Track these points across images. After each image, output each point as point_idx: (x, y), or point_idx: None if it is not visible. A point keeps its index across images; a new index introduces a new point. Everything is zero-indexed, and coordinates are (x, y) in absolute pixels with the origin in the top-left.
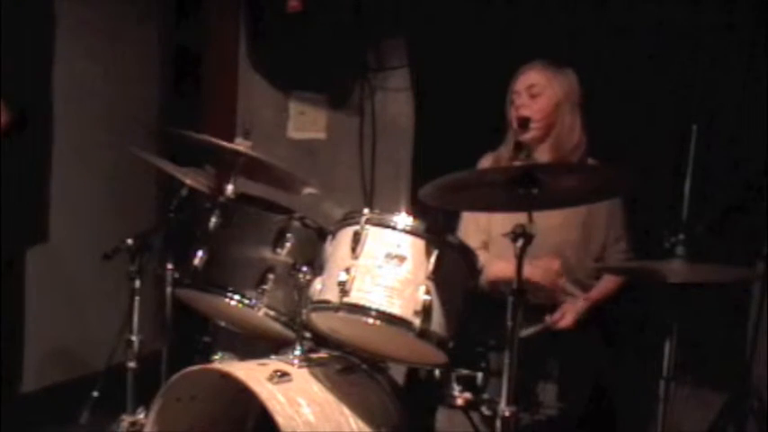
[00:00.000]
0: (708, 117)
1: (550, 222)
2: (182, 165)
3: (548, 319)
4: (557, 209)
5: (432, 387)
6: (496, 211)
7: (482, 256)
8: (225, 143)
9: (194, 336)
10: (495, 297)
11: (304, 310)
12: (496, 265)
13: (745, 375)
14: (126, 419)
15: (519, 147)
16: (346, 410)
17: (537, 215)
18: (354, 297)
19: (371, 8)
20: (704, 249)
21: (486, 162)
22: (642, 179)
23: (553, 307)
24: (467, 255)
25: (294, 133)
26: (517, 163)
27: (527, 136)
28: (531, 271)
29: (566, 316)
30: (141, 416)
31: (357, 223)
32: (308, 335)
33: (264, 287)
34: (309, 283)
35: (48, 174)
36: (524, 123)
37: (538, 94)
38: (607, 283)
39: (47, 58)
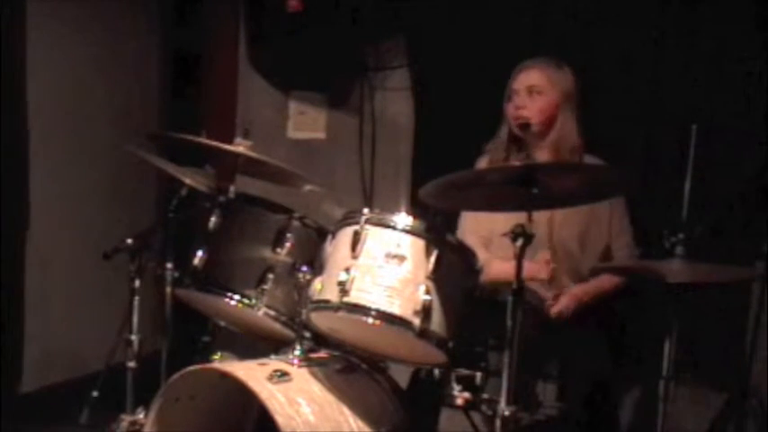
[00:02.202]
0: (708, 117)
1: (554, 217)
2: (182, 165)
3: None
4: (557, 209)
5: (432, 387)
6: (497, 211)
7: (481, 254)
8: (222, 145)
9: (194, 336)
10: (495, 297)
11: (304, 310)
12: (495, 264)
13: (745, 375)
14: (126, 419)
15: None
16: (346, 410)
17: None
18: (354, 297)
19: (371, 8)
20: (704, 249)
21: (482, 164)
22: (641, 179)
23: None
24: (466, 255)
25: (294, 133)
26: (516, 162)
27: (530, 140)
28: (529, 268)
29: (560, 300)
30: (141, 416)
31: (357, 223)
32: (307, 335)
33: (264, 287)
34: (309, 282)
35: (47, 174)
36: (525, 127)
37: (538, 93)
38: (606, 279)
39: (19, 51)
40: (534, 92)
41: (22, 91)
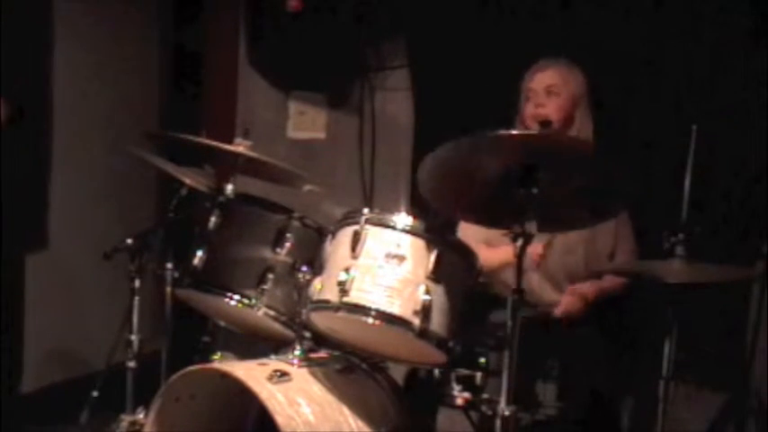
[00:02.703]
0: (708, 117)
1: None
2: (181, 165)
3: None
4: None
5: (432, 387)
6: (495, 214)
7: (483, 252)
8: (222, 145)
9: (194, 336)
10: (496, 293)
11: (304, 310)
12: (483, 251)
13: (745, 375)
14: (126, 419)
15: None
16: (346, 410)
17: None
18: (354, 297)
19: (371, 8)
20: (704, 249)
21: None
22: (642, 179)
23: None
24: (467, 255)
25: (294, 133)
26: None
27: None
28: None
29: (565, 299)
30: (141, 416)
31: (357, 223)
32: (307, 335)
33: (264, 287)
34: (309, 282)
35: (47, 175)
36: (546, 124)
37: (556, 93)
38: (609, 279)
39: (45, 54)
40: (552, 92)
41: (45, 94)
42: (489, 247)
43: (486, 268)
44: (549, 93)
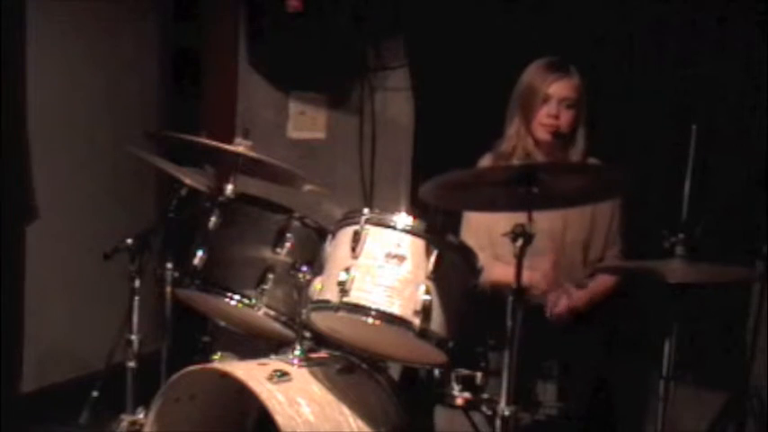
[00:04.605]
0: (708, 117)
1: (554, 224)
2: (181, 164)
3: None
4: (557, 209)
5: (431, 387)
6: (496, 211)
7: (482, 258)
8: (222, 145)
9: (194, 336)
10: (496, 297)
11: (304, 310)
12: (497, 268)
13: (745, 375)
14: (126, 419)
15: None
16: (346, 410)
17: (540, 216)
18: (354, 297)
19: (371, 8)
20: (704, 249)
21: (485, 163)
22: (642, 179)
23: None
24: (467, 255)
25: (294, 133)
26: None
27: (549, 144)
28: (531, 277)
29: (559, 303)
30: (141, 416)
31: (357, 223)
32: (307, 335)
33: (264, 287)
34: (309, 282)
35: (26, 150)
36: (557, 136)
37: (570, 107)
38: (603, 281)
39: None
40: (567, 105)
41: (21, 91)
42: (492, 245)
43: (488, 281)
44: (564, 105)
